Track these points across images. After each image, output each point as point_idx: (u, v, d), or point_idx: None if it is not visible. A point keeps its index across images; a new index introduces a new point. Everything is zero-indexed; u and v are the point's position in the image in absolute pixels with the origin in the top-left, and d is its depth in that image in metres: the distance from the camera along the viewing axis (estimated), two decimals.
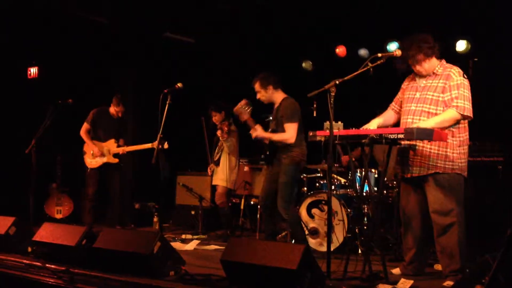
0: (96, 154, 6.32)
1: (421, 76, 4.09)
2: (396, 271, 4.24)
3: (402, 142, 3.97)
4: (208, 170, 6.54)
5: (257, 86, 5.06)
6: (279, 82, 5.07)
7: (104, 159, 6.35)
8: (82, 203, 6.68)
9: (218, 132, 6.15)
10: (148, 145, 6.04)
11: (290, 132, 4.85)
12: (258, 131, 4.92)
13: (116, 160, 6.40)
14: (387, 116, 4.33)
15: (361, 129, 4.03)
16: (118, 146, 6.42)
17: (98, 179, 6.37)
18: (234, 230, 6.53)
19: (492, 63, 5.98)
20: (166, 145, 5.89)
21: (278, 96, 5.06)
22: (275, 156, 5.00)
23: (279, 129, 4.95)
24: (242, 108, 4.89)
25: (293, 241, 5.10)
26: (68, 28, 7.41)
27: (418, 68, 4.04)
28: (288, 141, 4.85)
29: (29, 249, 4.57)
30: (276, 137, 4.93)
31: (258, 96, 5.09)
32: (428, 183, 3.97)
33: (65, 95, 6.05)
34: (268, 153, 5.09)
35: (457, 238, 3.88)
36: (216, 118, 6.32)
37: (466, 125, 4.00)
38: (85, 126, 6.43)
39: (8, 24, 7.18)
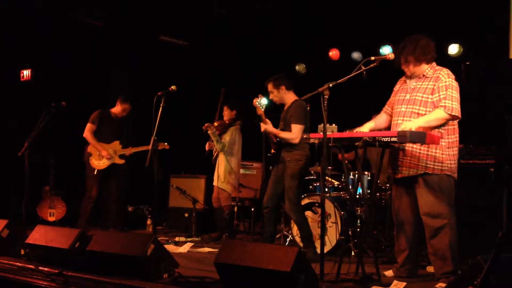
0: (106, 156, 6.30)
1: (412, 77, 4.12)
2: (389, 273, 4.25)
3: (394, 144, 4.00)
4: (206, 145, 6.33)
5: (270, 87, 5.24)
6: (291, 84, 5.25)
7: (111, 161, 6.36)
8: (77, 205, 6.64)
9: (204, 126, 6.03)
10: None
11: (295, 132, 5.01)
12: (267, 126, 5.10)
13: (123, 161, 6.42)
14: (380, 120, 4.35)
15: (354, 131, 4.07)
16: (123, 147, 6.44)
17: (101, 181, 6.38)
18: (235, 234, 6.44)
19: (485, 66, 6.02)
20: (167, 146, 5.94)
21: (289, 97, 5.23)
22: (280, 157, 5.16)
23: (287, 129, 5.11)
24: (257, 102, 5.02)
25: (302, 244, 5.19)
26: (61, 30, 7.39)
27: (404, 67, 4.09)
28: (293, 140, 5.03)
29: (22, 252, 4.54)
30: (282, 134, 5.11)
31: (271, 96, 5.28)
32: (418, 185, 3.99)
33: (58, 97, 6.03)
34: (274, 151, 5.24)
35: (449, 240, 3.90)
36: (225, 113, 6.29)
37: (456, 127, 4.02)
38: (91, 127, 6.36)
39: (0, 26, 7.15)
